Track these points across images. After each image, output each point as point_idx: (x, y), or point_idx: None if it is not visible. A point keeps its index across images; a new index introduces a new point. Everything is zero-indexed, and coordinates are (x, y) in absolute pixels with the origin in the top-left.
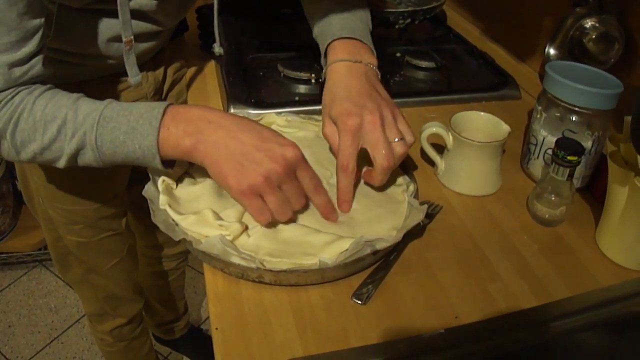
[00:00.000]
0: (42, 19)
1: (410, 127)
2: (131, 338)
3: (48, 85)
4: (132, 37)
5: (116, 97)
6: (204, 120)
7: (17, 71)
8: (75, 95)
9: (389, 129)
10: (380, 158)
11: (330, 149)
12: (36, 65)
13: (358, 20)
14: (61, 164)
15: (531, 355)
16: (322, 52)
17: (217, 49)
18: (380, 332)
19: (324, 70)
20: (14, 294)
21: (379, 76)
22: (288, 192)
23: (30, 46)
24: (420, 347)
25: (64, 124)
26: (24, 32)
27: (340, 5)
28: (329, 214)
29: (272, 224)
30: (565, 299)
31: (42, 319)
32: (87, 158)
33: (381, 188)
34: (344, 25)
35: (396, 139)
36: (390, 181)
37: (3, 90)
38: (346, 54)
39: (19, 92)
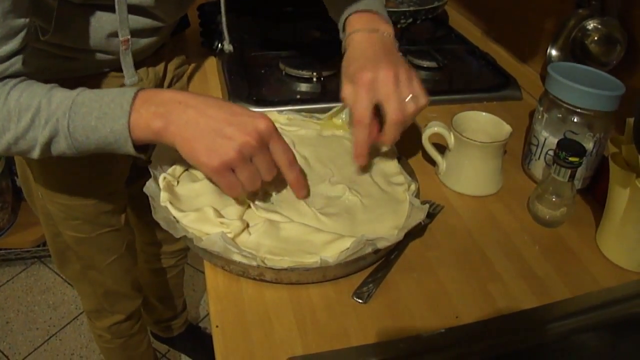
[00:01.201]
0: (27, 19)
1: (424, 91)
2: (129, 335)
3: (21, 78)
4: (129, 36)
5: None
6: (174, 102)
7: None
8: (49, 85)
9: (402, 86)
10: (391, 111)
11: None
12: (15, 64)
13: None
14: (35, 154)
15: (531, 355)
16: (340, 27)
17: (227, 46)
18: (380, 331)
19: (342, 44)
20: (12, 290)
21: (397, 44)
22: (259, 164)
23: (12, 45)
24: (421, 347)
25: (38, 112)
26: (7, 30)
27: None
28: (300, 189)
29: (272, 223)
30: (565, 299)
31: (40, 315)
32: (61, 146)
33: (382, 187)
34: (359, 0)
35: (409, 97)
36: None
37: None
38: (362, 24)
39: None
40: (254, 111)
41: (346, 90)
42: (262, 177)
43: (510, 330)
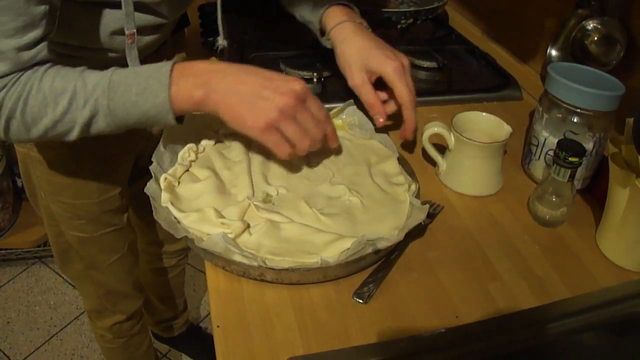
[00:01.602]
0: (47, 6)
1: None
2: (130, 335)
3: (49, 64)
4: (134, 30)
5: None
6: (211, 71)
7: (25, 55)
8: (79, 68)
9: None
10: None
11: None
12: (43, 51)
13: None
14: (73, 135)
15: (531, 355)
16: (316, 21)
17: (221, 41)
18: (381, 331)
19: (326, 36)
20: (13, 290)
21: None
22: (303, 121)
23: (37, 32)
24: (421, 346)
25: (75, 95)
26: (30, 17)
27: None
28: (334, 140)
29: (273, 224)
30: (565, 299)
31: (41, 315)
32: (100, 125)
33: (382, 187)
34: None
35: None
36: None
37: (11, 73)
38: (345, 15)
39: (24, 72)
40: (287, 75)
41: (359, 79)
42: (309, 134)
43: (510, 330)
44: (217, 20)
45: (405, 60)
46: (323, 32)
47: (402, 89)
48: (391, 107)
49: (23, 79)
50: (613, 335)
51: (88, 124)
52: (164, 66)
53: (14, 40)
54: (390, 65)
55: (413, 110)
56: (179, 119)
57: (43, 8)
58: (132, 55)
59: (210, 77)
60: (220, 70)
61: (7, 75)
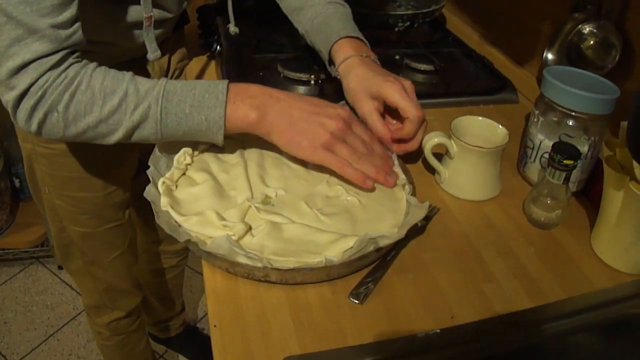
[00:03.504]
0: None
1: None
2: (128, 332)
3: (95, 63)
4: (152, 12)
5: None
6: (265, 95)
7: (63, 33)
8: (128, 72)
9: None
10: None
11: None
12: (78, 31)
13: (349, 20)
14: (114, 138)
15: (525, 356)
16: (326, 51)
17: (232, 28)
18: (376, 331)
19: (336, 68)
20: (10, 290)
21: None
22: (351, 142)
23: (71, 10)
24: (416, 347)
25: (125, 97)
26: None
27: (331, 5)
28: (387, 160)
29: (274, 225)
30: (559, 301)
31: (38, 316)
32: (147, 131)
33: (378, 186)
34: (344, 25)
35: None
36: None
37: (54, 53)
38: (354, 50)
39: (72, 64)
40: (331, 103)
41: (368, 106)
42: (359, 153)
43: (505, 331)
44: (215, 22)
45: (407, 83)
46: (331, 62)
47: (407, 105)
48: (399, 132)
49: (71, 72)
50: (607, 337)
51: (134, 129)
52: (220, 83)
53: (50, 18)
54: (390, 86)
55: (418, 125)
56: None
57: None
58: (149, 37)
59: (265, 100)
60: (273, 94)
61: (49, 55)
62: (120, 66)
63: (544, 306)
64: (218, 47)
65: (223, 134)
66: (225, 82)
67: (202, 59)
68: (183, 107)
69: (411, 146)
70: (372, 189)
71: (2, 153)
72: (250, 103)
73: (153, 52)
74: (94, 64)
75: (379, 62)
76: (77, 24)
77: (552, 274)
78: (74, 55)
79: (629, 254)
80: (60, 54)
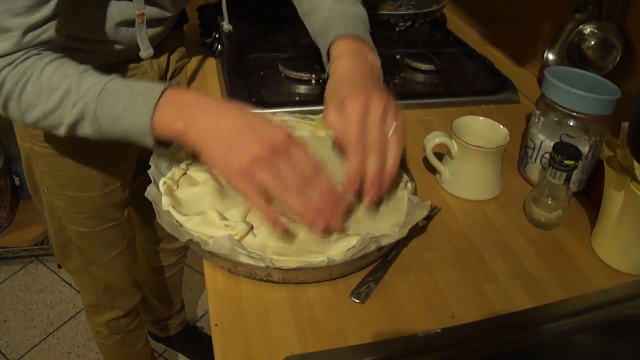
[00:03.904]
0: None
1: (404, 133)
2: (127, 331)
3: (59, 54)
4: (144, 10)
5: None
6: (197, 105)
7: (30, 35)
8: (83, 66)
9: (389, 119)
10: (374, 141)
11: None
12: (49, 30)
13: (358, 20)
14: (61, 131)
15: (526, 355)
16: (324, 50)
17: (226, 25)
18: (377, 330)
19: (327, 69)
20: (10, 288)
21: (382, 76)
22: (282, 172)
23: (46, 10)
24: (417, 346)
25: (67, 93)
26: None
27: (339, 5)
28: (333, 201)
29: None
30: (560, 301)
31: (37, 314)
32: (86, 129)
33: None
34: (347, 24)
35: (392, 129)
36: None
37: (12, 53)
38: (350, 51)
39: (30, 56)
40: (272, 122)
41: (332, 115)
42: (286, 183)
43: (505, 331)
44: (216, 21)
45: (391, 105)
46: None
47: (354, 135)
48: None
49: (27, 63)
50: (607, 337)
51: (74, 126)
52: (156, 87)
53: (22, 19)
54: (353, 104)
55: (358, 153)
56: (164, 143)
57: None
58: (141, 35)
59: (194, 110)
60: (205, 105)
61: (10, 54)
62: (119, 65)
63: (544, 306)
64: (219, 46)
65: (152, 141)
66: (162, 87)
67: (203, 59)
68: (115, 110)
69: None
70: (285, 231)
71: (2, 151)
72: (178, 112)
73: (146, 50)
74: (52, 56)
75: (378, 65)
76: (51, 23)
77: (553, 274)
78: (39, 49)
79: (630, 254)
80: (23, 52)
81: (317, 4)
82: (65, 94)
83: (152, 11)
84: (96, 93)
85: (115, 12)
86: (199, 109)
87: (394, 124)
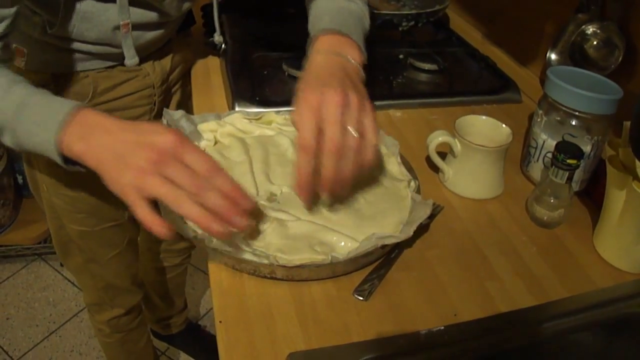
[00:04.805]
0: (13, 9)
1: (376, 129)
2: (128, 329)
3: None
4: (129, 20)
5: (122, 85)
6: (97, 126)
7: None
8: (15, 78)
9: (351, 114)
10: (329, 139)
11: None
12: None
13: (349, 16)
14: None
15: (528, 353)
16: (308, 45)
17: (217, 37)
18: (380, 328)
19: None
20: (13, 286)
21: (362, 75)
22: (176, 177)
23: None
24: (419, 343)
25: None
26: None
27: (330, 2)
28: (239, 196)
29: (280, 222)
30: (561, 299)
31: (40, 312)
32: (7, 139)
33: (383, 183)
34: (333, 20)
35: (353, 131)
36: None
37: None
38: (327, 46)
39: None
40: (163, 128)
41: (293, 114)
42: (181, 189)
43: (507, 329)
44: (219, 20)
45: (355, 98)
46: None
47: (303, 129)
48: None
49: None
50: (608, 335)
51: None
52: (67, 107)
53: None
54: (307, 97)
55: (331, 159)
56: (75, 162)
57: (6, 11)
58: (127, 43)
59: (94, 131)
60: (105, 126)
61: None
62: (119, 67)
63: (546, 304)
64: (223, 46)
65: (62, 160)
66: (74, 105)
67: (208, 58)
68: (29, 124)
69: (324, 181)
70: (167, 235)
71: (5, 150)
72: (79, 134)
73: (131, 59)
74: None
75: (357, 68)
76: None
77: (555, 272)
78: None
79: (631, 253)
80: None
81: (317, 1)
82: None
83: (152, 16)
84: (17, 105)
85: (111, 16)
86: (99, 130)
87: (355, 117)
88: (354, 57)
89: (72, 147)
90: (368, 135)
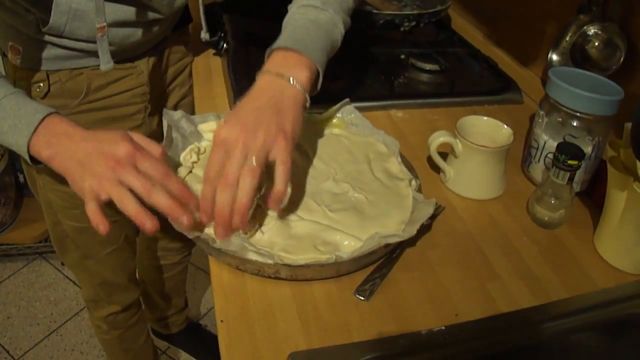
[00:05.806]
0: None
1: (284, 178)
2: (126, 327)
3: None
4: (105, 23)
5: (116, 83)
6: (65, 134)
7: None
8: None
9: (249, 159)
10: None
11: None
12: None
13: (314, 29)
14: None
15: (528, 353)
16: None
17: (203, 34)
18: (381, 327)
19: None
20: (14, 285)
21: (301, 99)
22: (128, 181)
23: None
24: (420, 343)
25: None
26: None
27: (300, 10)
28: (187, 199)
29: (284, 222)
30: (562, 299)
31: (41, 311)
32: None
33: (385, 183)
34: (291, 34)
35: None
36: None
37: None
38: (273, 67)
39: None
40: (120, 137)
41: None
42: (142, 196)
43: (508, 329)
44: (221, 20)
45: (260, 144)
46: None
47: (209, 161)
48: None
49: None
50: (609, 336)
51: None
52: (40, 112)
53: None
54: (218, 131)
55: (206, 187)
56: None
57: None
58: (102, 47)
59: (61, 139)
60: (69, 134)
61: None
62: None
63: (547, 305)
64: (224, 45)
65: (32, 163)
66: (47, 112)
67: (209, 57)
68: (3, 125)
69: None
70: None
71: (6, 149)
72: (48, 141)
73: (105, 64)
74: None
75: (300, 90)
76: None
77: (556, 273)
78: None
79: (632, 254)
80: None
81: (290, 7)
82: None
83: (144, 14)
84: None
85: (107, 14)
86: (66, 138)
87: (253, 160)
88: (300, 78)
89: (41, 153)
90: (244, 185)
